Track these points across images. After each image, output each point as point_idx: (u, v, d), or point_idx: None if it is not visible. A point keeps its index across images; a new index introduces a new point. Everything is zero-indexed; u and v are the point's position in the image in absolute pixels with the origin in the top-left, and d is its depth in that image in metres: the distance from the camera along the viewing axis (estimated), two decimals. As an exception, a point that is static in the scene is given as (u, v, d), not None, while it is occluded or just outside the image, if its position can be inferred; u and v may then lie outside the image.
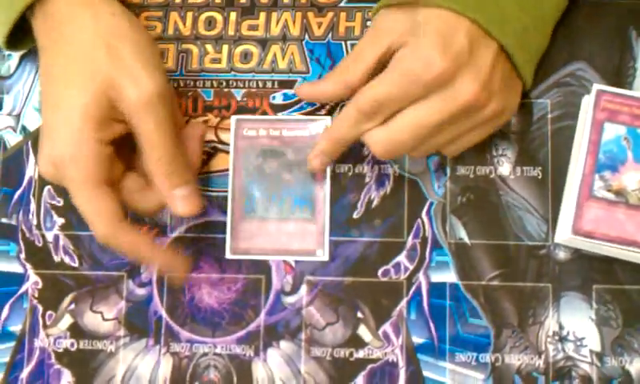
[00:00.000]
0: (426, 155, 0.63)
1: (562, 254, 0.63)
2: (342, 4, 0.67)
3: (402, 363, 0.62)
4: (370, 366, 0.63)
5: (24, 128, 0.67)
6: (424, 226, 0.64)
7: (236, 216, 0.64)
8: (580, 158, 0.60)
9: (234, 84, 0.67)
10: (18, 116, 0.67)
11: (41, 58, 0.60)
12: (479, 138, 0.60)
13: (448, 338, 0.62)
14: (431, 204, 0.64)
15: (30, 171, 0.66)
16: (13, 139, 0.67)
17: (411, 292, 0.63)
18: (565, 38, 0.65)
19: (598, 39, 0.65)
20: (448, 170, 0.64)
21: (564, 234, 0.60)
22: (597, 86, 0.61)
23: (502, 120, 0.60)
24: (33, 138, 0.67)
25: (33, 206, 0.66)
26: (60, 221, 0.65)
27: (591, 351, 0.61)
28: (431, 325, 0.63)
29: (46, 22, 0.59)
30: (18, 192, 0.66)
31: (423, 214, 0.64)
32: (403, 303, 0.63)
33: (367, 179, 0.64)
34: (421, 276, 0.63)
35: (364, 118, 0.58)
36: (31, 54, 0.67)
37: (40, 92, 0.65)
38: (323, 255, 0.64)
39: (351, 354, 0.63)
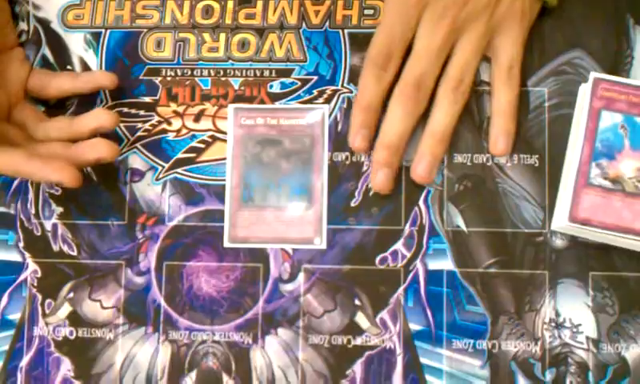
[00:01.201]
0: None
1: (558, 242, 0.63)
2: (339, -8, 0.67)
3: (399, 350, 0.62)
4: (367, 353, 0.63)
5: (22, 117, 0.67)
6: (421, 214, 0.64)
7: (234, 205, 0.64)
8: (577, 145, 0.60)
9: (232, 73, 0.67)
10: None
11: None
12: (480, 46, 0.63)
13: (445, 325, 0.62)
14: (428, 192, 0.64)
15: (29, 160, 0.66)
16: (11, 128, 0.67)
17: (409, 279, 0.63)
18: (562, 25, 0.65)
19: (596, 27, 0.65)
20: (445, 158, 0.64)
21: (561, 221, 0.60)
22: (594, 74, 0.61)
23: (510, 24, 0.63)
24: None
25: (31, 195, 0.66)
26: (58, 210, 0.65)
27: (587, 338, 0.62)
28: (428, 312, 0.63)
29: None
30: (17, 181, 0.66)
31: (420, 202, 0.64)
32: (400, 290, 0.63)
33: (365, 167, 0.64)
34: (418, 263, 0.63)
35: (380, 69, 0.62)
36: (27, 45, 0.67)
37: None
38: (321, 243, 0.64)
39: (349, 342, 0.63)
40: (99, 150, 0.61)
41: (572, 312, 0.62)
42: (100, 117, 0.63)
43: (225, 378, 0.63)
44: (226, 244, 0.64)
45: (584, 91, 0.62)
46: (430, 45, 0.61)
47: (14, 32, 0.66)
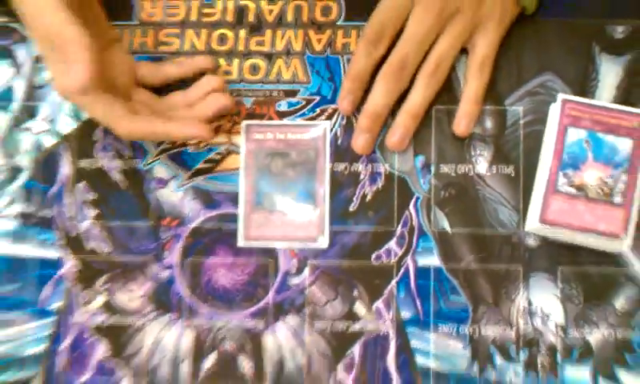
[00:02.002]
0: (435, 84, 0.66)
1: (531, 241, 0.64)
2: (339, 22, 0.69)
3: (392, 334, 0.64)
4: (364, 337, 0.64)
5: (58, 132, 0.68)
6: (411, 217, 0.66)
7: (247, 208, 0.66)
8: (547, 157, 0.62)
9: (244, 93, 0.69)
10: (52, 121, 0.68)
11: None
12: (459, 41, 0.65)
13: (432, 313, 0.64)
14: (417, 198, 0.66)
15: (65, 169, 0.67)
16: (48, 141, 0.68)
17: (400, 273, 0.65)
18: (536, 51, 0.67)
19: (566, 53, 0.67)
20: (432, 168, 0.66)
21: (533, 223, 0.63)
22: (562, 96, 0.63)
23: (486, 31, 0.66)
24: (66, 140, 0.68)
25: (68, 200, 0.67)
26: (93, 212, 0.67)
27: (556, 324, 0.63)
28: (418, 302, 0.64)
29: None
30: (54, 188, 0.67)
31: (411, 207, 0.66)
32: (393, 283, 0.65)
33: (362, 176, 0.67)
34: (409, 260, 0.65)
35: (371, 45, 0.65)
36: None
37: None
38: (324, 242, 0.66)
39: (348, 327, 0.64)
40: (218, 101, 0.64)
41: (543, 302, 0.64)
42: (210, 81, 0.66)
43: (240, 358, 0.64)
44: (240, 243, 0.66)
45: (554, 110, 0.63)
46: (416, 32, 0.64)
47: (112, 28, 0.66)
